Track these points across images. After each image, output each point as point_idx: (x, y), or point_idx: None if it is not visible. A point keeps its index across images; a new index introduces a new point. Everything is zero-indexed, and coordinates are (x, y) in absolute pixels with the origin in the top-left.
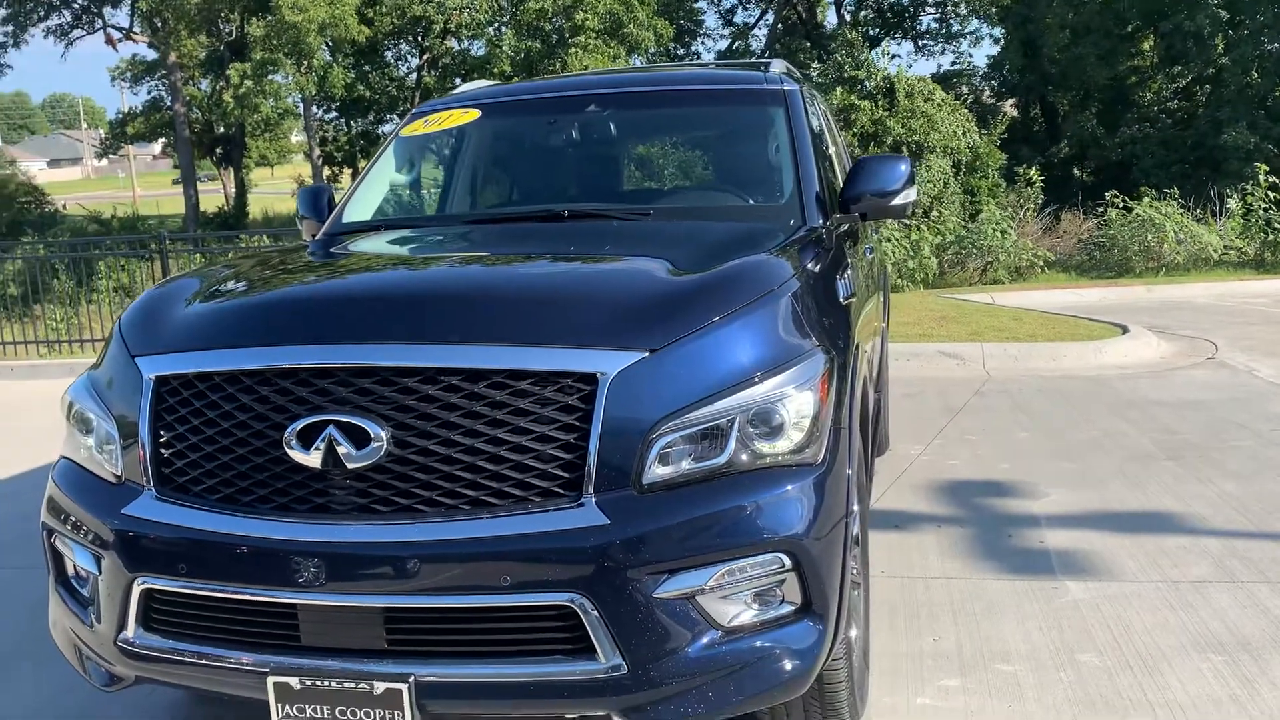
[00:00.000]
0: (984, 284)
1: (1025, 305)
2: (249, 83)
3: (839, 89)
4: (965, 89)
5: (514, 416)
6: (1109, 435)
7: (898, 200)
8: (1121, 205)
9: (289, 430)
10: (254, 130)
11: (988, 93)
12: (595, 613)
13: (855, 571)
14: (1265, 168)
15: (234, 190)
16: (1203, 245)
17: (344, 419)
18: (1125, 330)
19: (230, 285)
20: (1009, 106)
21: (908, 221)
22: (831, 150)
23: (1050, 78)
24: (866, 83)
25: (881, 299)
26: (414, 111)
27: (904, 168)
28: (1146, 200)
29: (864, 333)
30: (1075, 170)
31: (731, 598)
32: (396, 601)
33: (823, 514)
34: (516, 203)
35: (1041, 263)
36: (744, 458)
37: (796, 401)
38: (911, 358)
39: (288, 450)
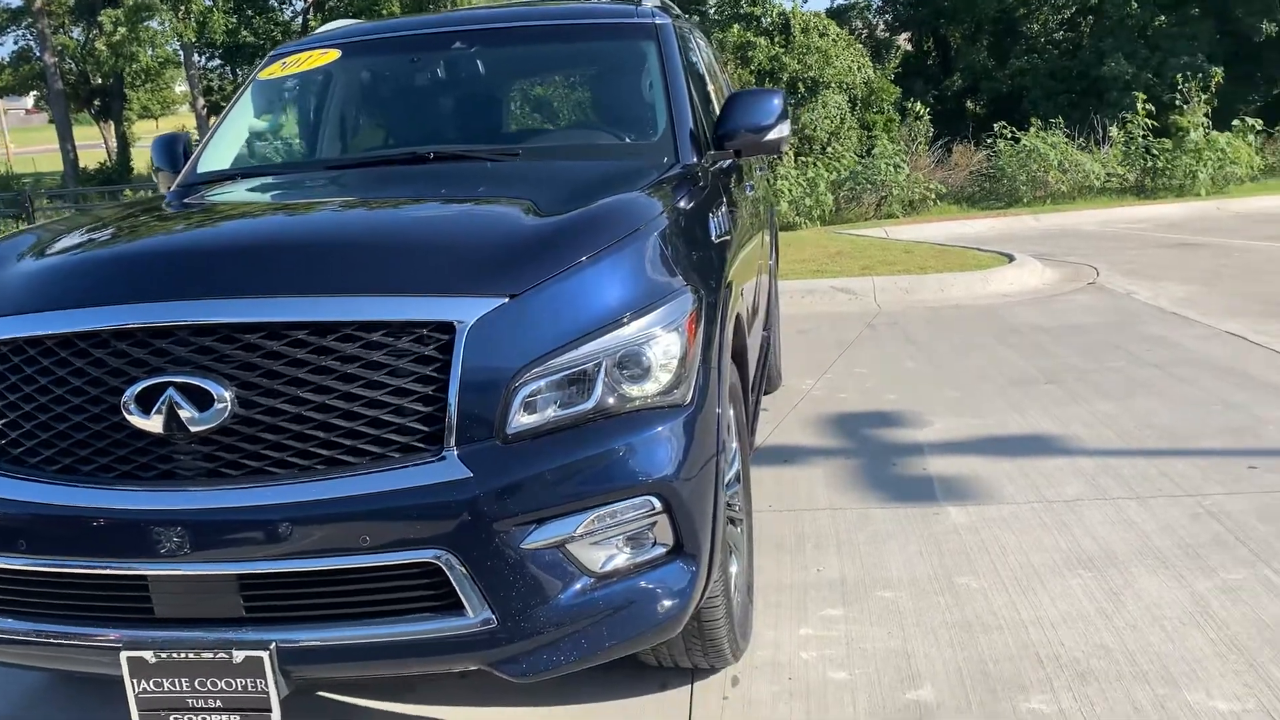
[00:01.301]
0: (879, 219)
1: (918, 238)
2: (123, 30)
3: (736, 26)
4: (859, 23)
5: (367, 370)
6: (993, 362)
7: (771, 135)
8: (1010, 136)
9: (127, 394)
10: (133, 81)
11: (882, 27)
12: (461, 568)
13: (738, 508)
14: (1143, 96)
15: (115, 144)
16: (1086, 174)
17: (184, 380)
18: (1011, 259)
19: (66, 242)
20: (903, 41)
21: (805, 159)
22: (712, 88)
23: (943, 10)
24: (763, 19)
25: (769, 237)
26: (272, 54)
27: (776, 102)
28: (1033, 131)
29: (743, 271)
30: (969, 103)
31: (602, 543)
32: (252, 568)
33: (692, 454)
34: (379, 146)
35: (934, 196)
36: (612, 402)
37: (664, 343)
38: (806, 294)
39: (127, 416)
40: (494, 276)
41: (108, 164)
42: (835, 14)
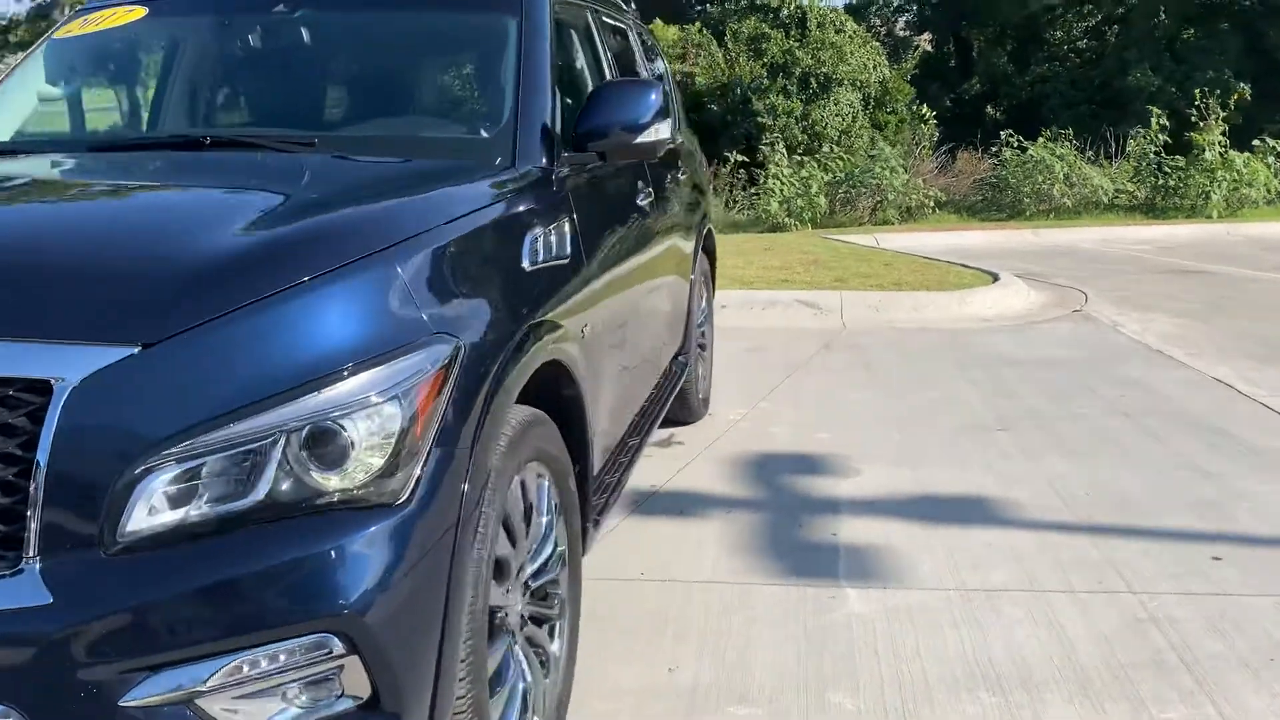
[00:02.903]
0: (874, 224)
1: (906, 248)
2: None
3: (752, 18)
4: (878, 21)
5: None
6: (949, 399)
7: (644, 138)
8: (1017, 145)
9: None
10: None
11: (901, 25)
12: None
13: (557, 599)
14: (1158, 110)
15: None
16: (1094, 189)
17: None
18: (996, 279)
19: None
20: (923, 41)
21: (801, 157)
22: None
23: (966, 12)
24: (781, 12)
25: (692, 251)
26: (78, 9)
27: (654, 97)
28: (1041, 141)
29: (608, 304)
30: (989, 108)
31: (257, 696)
32: None
33: (403, 574)
34: (167, 124)
35: (932, 203)
36: (287, 495)
37: (376, 414)
38: (768, 306)
39: None
40: (123, 315)
41: None
42: (854, 10)
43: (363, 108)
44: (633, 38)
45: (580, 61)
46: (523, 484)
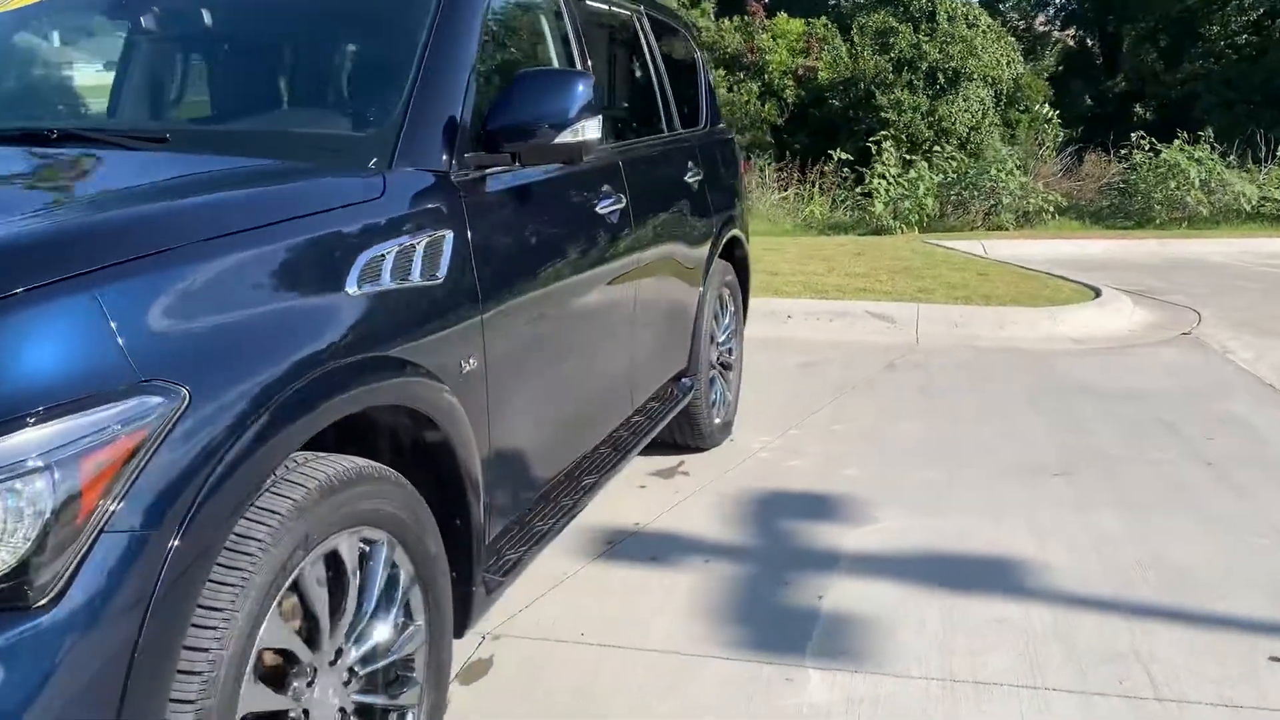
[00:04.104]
0: (986, 229)
1: (1013, 256)
2: None
3: (881, 11)
4: (1015, 16)
5: None
6: (1008, 433)
7: (564, 137)
8: (1149, 148)
9: None
10: None
11: (1041, 20)
12: None
13: None
14: None
15: None
16: (1235, 196)
17: None
18: (1098, 294)
19: None
20: (1066, 36)
21: (910, 157)
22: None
23: (1115, 6)
24: (910, 5)
25: (696, 264)
26: None
27: (580, 89)
28: (1177, 143)
29: (514, 332)
30: (1137, 107)
31: None
32: None
33: (39, 705)
34: (25, 112)
35: (1052, 208)
36: None
37: (22, 490)
38: (837, 317)
39: None
40: None
41: None
42: (989, 4)
43: (248, 98)
44: (641, 27)
45: (550, 53)
46: (335, 554)
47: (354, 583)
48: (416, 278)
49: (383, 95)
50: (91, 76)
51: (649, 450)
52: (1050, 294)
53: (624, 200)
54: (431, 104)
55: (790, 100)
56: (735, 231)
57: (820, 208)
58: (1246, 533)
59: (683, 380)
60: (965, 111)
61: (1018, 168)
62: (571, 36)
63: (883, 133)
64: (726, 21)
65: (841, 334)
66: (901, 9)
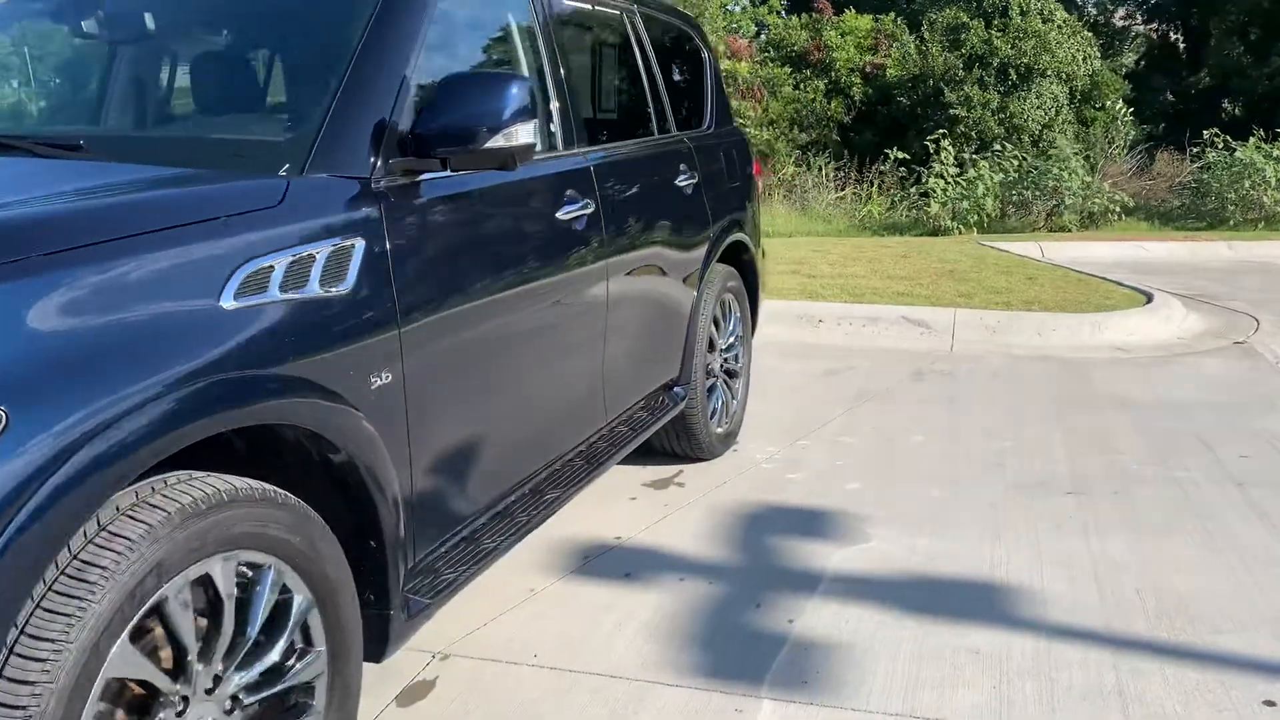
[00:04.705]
0: (1048, 230)
1: (1070, 259)
2: None
3: (951, 7)
4: (1093, 9)
5: None
6: (1027, 448)
7: (495, 142)
8: (1223, 145)
9: None
10: None
11: (1120, 14)
12: None
13: None
14: None
15: None
16: None
17: None
18: (1149, 299)
19: None
20: (1148, 30)
21: (972, 156)
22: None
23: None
24: (984, 0)
25: (688, 270)
26: None
27: (512, 93)
28: (1253, 141)
29: (440, 343)
30: (1226, 103)
31: None
32: None
33: None
34: None
35: (1118, 209)
36: None
37: None
38: (869, 322)
39: None
40: None
41: None
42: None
43: (176, 104)
44: (631, 26)
45: (518, 54)
46: (207, 578)
47: (229, 609)
48: (314, 289)
49: (308, 99)
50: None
51: (647, 459)
52: (1099, 299)
53: (593, 206)
54: (357, 108)
55: (857, 98)
56: (739, 236)
57: (878, 208)
58: (1262, 562)
59: (674, 389)
60: (1038, 108)
61: (1083, 167)
62: (540, 36)
63: (940, 131)
64: (795, 19)
65: (873, 340)
66: (974, 4)
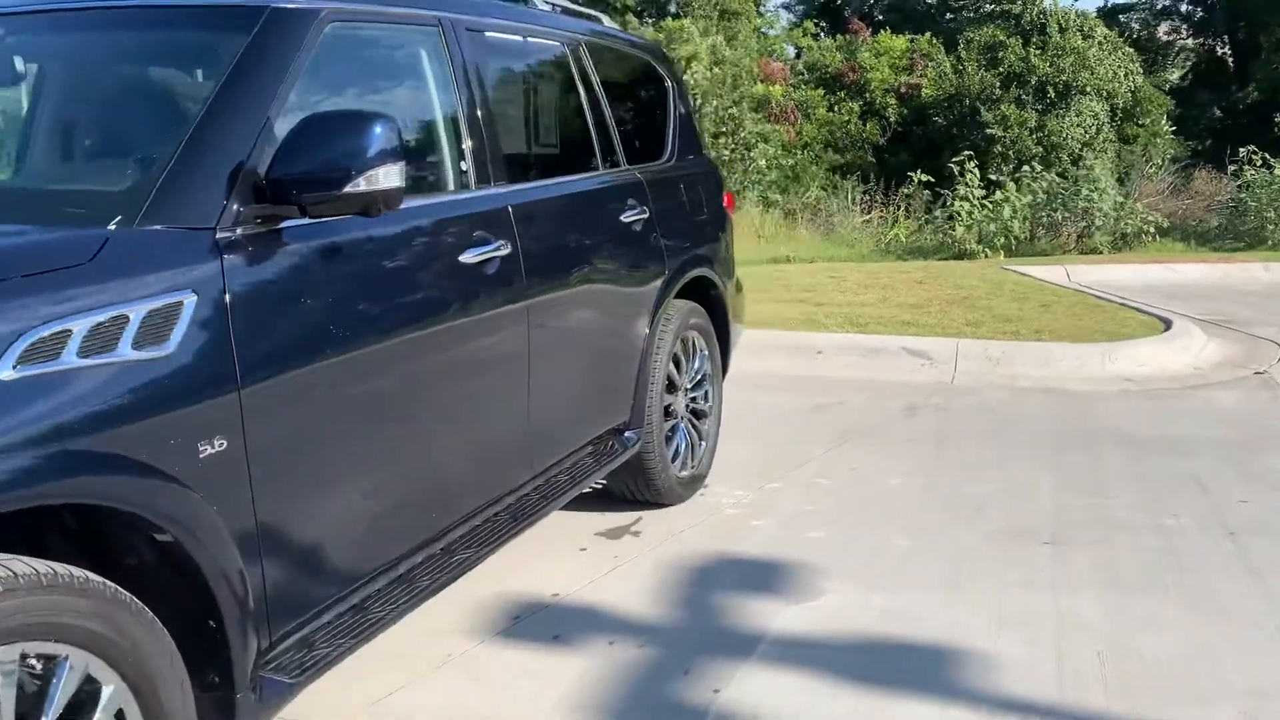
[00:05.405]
0: (1079, 253)
1: (1098, 283)
2: None
3: (990, 25)
4: (1136, 25)
5: None
6: (1011, 491)
7: (356, 186)
8: (1261, 163)
9: None
10: None
11: (1164, 28)
12: None
13: None
14: None
15: None
16: None
17: None
18: (1167, 326)
19: None
20: (1195, 45)
21: (998, 177)
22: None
23: (1247, 12)
24: (1022, 17)
25: (641, 313)
26: None
27: (376, 132)
28: None
29: (289, 404)
30: (1278, 117)
31: None
32: None
33: None
34: None
35: (1152, 229)
36: None
37: None
38: (870, 354)
39: None
40: None
41: None
42: (1108, 14)
43: (30, 151)
44: (574, 57)
45: (429, 91)
46: None
47: (6, 705)
48: (124, 353)
49: (156, 147)
50: None
51: (606, 506)
52: (1114, 327)
53: (508, 247)
54: (207, 154)
55: (892, 119)
56: (702, 271)
57: (904, 231)
58: (1242, 623)
59: (625, 434)
60: (1077, 126)
61: (1114, 187)
62: (452, 69)
63: (966, 153)
64: (828, 40)
65: (871, 372)
66: (1012, 22)
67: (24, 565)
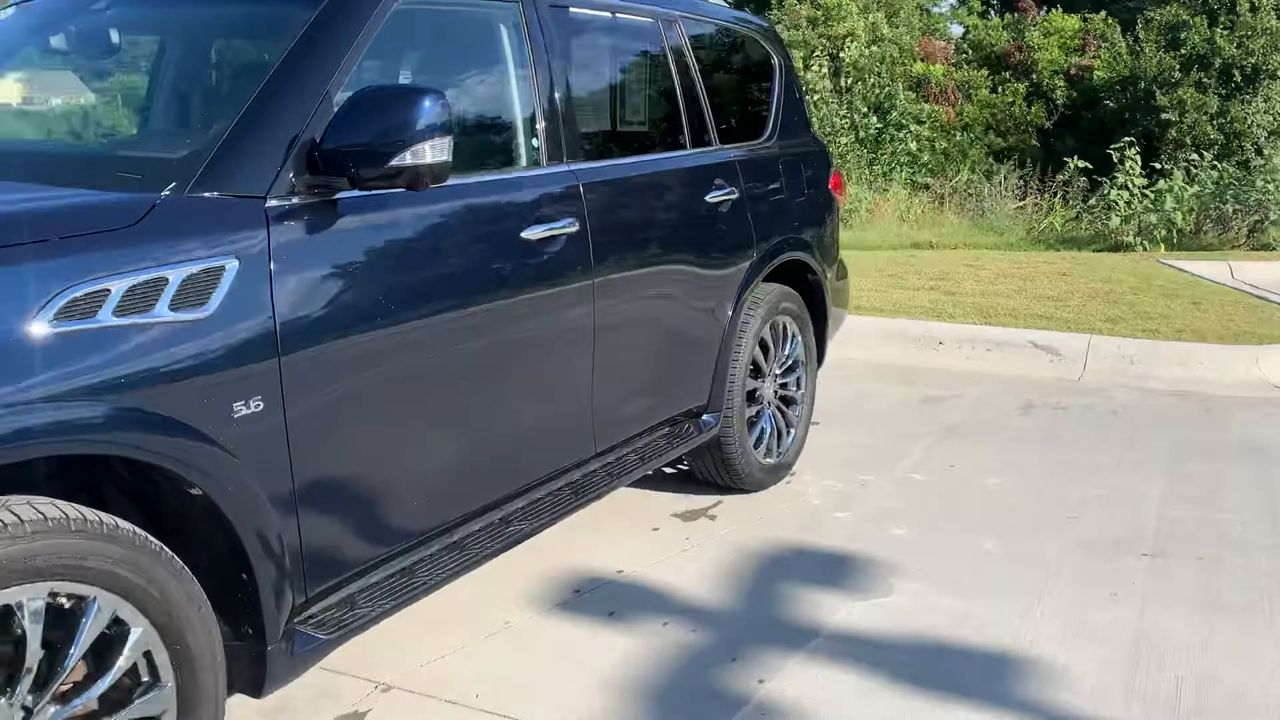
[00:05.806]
0: (1249, 249)
1: (1265, 281)
2: None
3: (1173, 4)
4: None
5: None
6: (1114, 499)
7: (403, 159)
8: None
9: None
10: None
11: None
12: None
13: None
14: None
15: None
16: None
17: None
18: None
19: None
20: None
21: (1165, 165)
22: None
23: None
24: None
25: (719, 294)
26: None
27: (425, 106)
28: None
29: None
30: None
31: None
32: None
33: None
34: None
35: None
36: None
37: None
38: (995, 347)
39: None
40: None
41: None
42: None
43: (102, 118)
44: (663, 33)
45: (507, 66)
46: (8, 609)
47: (34, 640)
48: (160, 313)
49: (216, 117)
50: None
51: (687, 488)
52: (1267, 330)
53: (576, 224)
54: (264, 124)
55: (1059, 102)
56: (797, 255)
57: (1059, 220)
58: None
59: (702, 417)
60: (1265, 113)
61: None
62: (529, 45)
63: (1127, 139)
64: (996, 19)
65: (993, 366)
66: (1198, 1)
67: (55, 509)
